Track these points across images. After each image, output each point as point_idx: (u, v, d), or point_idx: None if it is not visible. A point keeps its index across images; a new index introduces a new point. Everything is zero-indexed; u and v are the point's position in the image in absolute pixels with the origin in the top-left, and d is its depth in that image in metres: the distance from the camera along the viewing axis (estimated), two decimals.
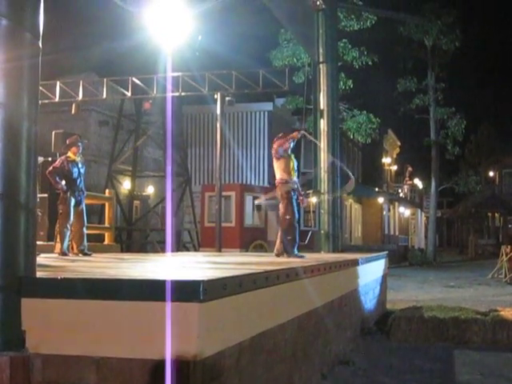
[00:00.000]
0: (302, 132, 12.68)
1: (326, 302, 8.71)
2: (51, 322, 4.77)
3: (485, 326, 11.68)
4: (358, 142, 38.27)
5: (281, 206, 11.99)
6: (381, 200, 44.52)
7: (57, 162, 12.33)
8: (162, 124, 32.69)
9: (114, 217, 19.28)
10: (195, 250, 30.26)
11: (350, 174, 17.27)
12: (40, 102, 5.43)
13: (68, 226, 12.05)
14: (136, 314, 4.60)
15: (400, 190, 60.15)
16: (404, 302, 16.33)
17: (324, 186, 18.20)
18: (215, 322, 4.77)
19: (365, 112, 32.56)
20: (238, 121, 38.62)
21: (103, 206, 21.02)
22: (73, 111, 22.56)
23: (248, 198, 25.95)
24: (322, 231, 18.22)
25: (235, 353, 5.14)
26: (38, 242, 5.96)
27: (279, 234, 12.10)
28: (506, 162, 65.84)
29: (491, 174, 66.87)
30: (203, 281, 4.59)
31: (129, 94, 22.54)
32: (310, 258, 11.22)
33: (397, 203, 50.78)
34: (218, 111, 21.23)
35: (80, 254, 12.07)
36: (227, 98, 21.22)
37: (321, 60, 18.67)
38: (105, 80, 22.74)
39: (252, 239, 25.11)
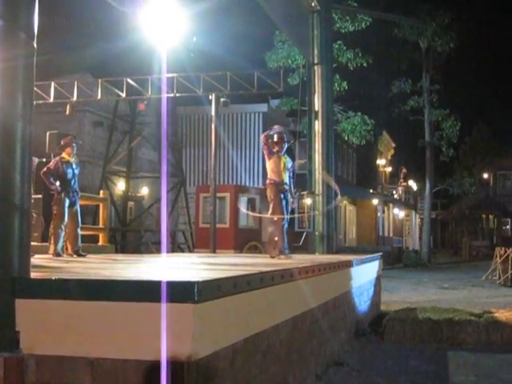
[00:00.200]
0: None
1: (320, 303, 8.71)
2: (45, 322, 4.77)
3: (479, 327, 11.70)
4: (353, 143, 38.26)
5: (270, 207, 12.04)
6: (375, 201, 44.58)
7: (51, 163, 12.32)
8: (156, 125, 32.72)
9: (108, 218, 19.25)
10: (190, 250, 30.24)
11: (338, 191, 17.29)
12: (34, 102, 5.43)
13: (62, 226, 12.04)
14: (130, 314, 4.60)
15: (394, 192, 60.19)
16: (398, 303, 16.33)
17: (318, 187, 18.20)
18: (210, 323, 4.77)
19: (359, 114, 32.58)
20: (233, 122, 38.62)
21: (97, 206, 20.97)
22: (67, 112, 22.53)
23: (242, 199, 25.95)
24: (317, 232, 18.22)
25: (229, 354, 5.14)
26: (32, 243, 5.95)
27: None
28: (500, 164, 66.04)
29: (485, 175, 67.05)
30: (198, 282, 4.59)
31: (123, 94, 22.52)
32: (305, 260, 11.22)
33: (391, 205, 50.86)
34: (213, 112, 21.22)
35: (74, 255, 12.05)
36: (222, 99, 21.22)
37: (315, 61, 18.68)
38: (99, 81, 22.72)
39: (246, 240, 25.09)
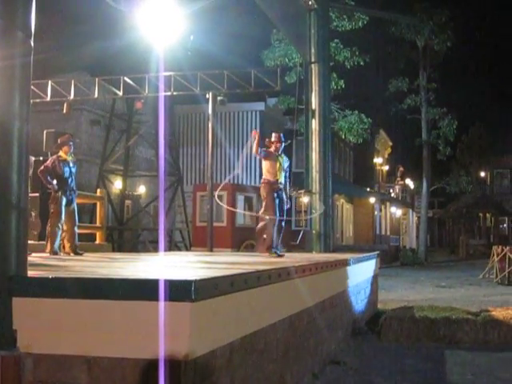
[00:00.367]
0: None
1: (317, 301, 8.71)
2: (42, 321, 4.77)
3: (476, 326, 11.71)
4: (350, 142, 38.29)
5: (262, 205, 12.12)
6: (372, 200, 44.54)
7: (48, 162, 12.31)
8: (153, 123, 32.62)
9: (105, 216, 19.23)
10: (187, 249, 30.22)
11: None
12: (31, 101, 5.43)
13: (59, 225, 12.04)
14: (128, 313, 4.60)
15: (391, 190, 60.19)
16: (395, 302, 16.35)
17: (316, 185, 18.20)
18: (207, 322, 4.77)
19: (356, 112, 32.59)
20: (230, 120, 38.63)
21: (94, 205, 21.00)
22: (64, 110, 22.52)
23: (240, 198, 25.95)
24: (314, 231, 18.23)
25: (226, 352, 5.14)
26: (30, 242, 5.95)
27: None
28: (497, 163, 66.08)
29: (482, 174, 67.02)
30: (195, 280, 4.59)
31: (120, 93, 22.50)
32: (302, 258, 11.23)
33: (388, 203, 50.81)
34: (210, 111, 21.22)
35: (71, 254, 12.04)
36: (219, 98, 21.21)
37: (313, 60, 18.67)
38: (96, 79, 22.71)
39: (243, 239, 25.09)
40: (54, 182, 12.06)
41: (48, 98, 21.96)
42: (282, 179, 12.09)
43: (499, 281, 24.29)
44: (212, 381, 4.85)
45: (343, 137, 35.28)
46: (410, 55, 42.66)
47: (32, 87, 5.55)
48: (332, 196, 18.88)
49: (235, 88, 21.49)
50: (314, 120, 18.45)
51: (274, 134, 12.31)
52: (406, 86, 41.95)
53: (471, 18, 56.20)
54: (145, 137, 33.10)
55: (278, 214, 11.96)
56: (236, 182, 28.43)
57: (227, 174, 37.53)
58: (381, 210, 47.88)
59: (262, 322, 6.13)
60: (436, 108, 41.68)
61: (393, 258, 41.74)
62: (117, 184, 32.46)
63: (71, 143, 12.53)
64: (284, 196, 12.15)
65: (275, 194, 11.96)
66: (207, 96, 21.15)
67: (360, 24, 30.59)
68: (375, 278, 15.55)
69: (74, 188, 12.45)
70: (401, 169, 63.38)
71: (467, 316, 12.03)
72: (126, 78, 22.00)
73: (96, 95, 22.76)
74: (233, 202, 25.40)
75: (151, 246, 28.03)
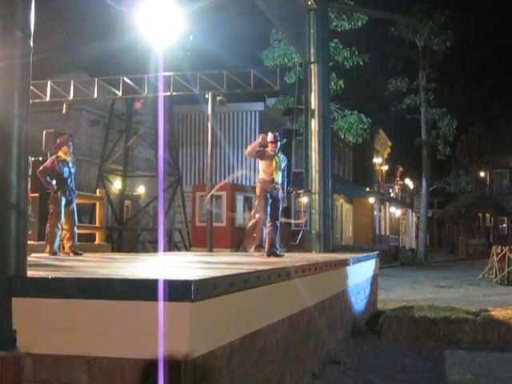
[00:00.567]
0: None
1: (317, 301, 8.71)
2: (42, 321, 4.76)
3: (475, 325, 11.71)
4: (349, 141, 38.30)
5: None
6: (372, 200, 44.56)
7: (47, 162, 12.30)
8: (153, 124, 32.66)
9: (104, 216, 19.23)
10: (186, 249, 30.21)
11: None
12: (31, 101, 5.43)
13: (59, 225, 12.03)
14: (127, 313, 4.60)
15: (391, 190, 60.22)
16: (395, 301, 16.36)
17: (315, 185, 18.18)
18: (206, 322, 4.77)
19: (356, 112, 32.55)
20: (230, 120, 38.62)
21: (94, 205, 20.99)
22: (64, 111, 22.54)
23: (239, 198, 25.96)
24: (313, 231, 18.21)
25: (226, 352, 5.14)
26: (29, 242, 5.94)
27: (268, 234, 12.11)
28: (496, 162, 66.09)
29: (482, 174, 67.06)
30: (194, 280, 4.59)
31: (120, 93, 22.52)
32: (301, 258, 11.23)
33: (388, 203, 50.83)
34: (209, 111, 21.23)
35: (71, 254, 12.03)
36: (218, 98, 21.22)
37: (312, 60, 18.66)
38: (96, 79, 22.73)
39: (243, 239, 25.03)
40: (54, 182, 12.05)
41: (47, 98, 21.98)
42: (278, 179, 12.07)
43: (499, 281, 24.30)
44: (212, 381, 4.85)
45: (343, 137, 35.28)
46: (409, 55, 42.65)
47: (31, 87, 5.55)
48: (331, 196, 18.85)
49: (235, 88, 21.50)
50: (313, 120, 18.43)
51: (269, 134, 12.28)
52: (405, 85, 41.93)
53: (471, 17, 56.26)
54: (144, 137, 33.11)
55: (269, 214, 11.95)
56: (236, 182, 28.44)
57: (227, 173, 37.54)
58: (380, 210, 47.91)
59: (261, 322, 6.13)
60: (435, 108, 41.65)
61: (392, 258, 41.75)
62: (116, 184, 32.47)
63: (70, 143, 12.52)
64: (280, 195, 12.12)
65: (268, 194, 11.95)
66: (206, 96, 21.16)
67: (359, 24, 30.56)
68: (375, 277, 15.55)
69: (74, 188, 12.44)
70: (400, 169, 63.45)
71: (467, 316, 12.04)
72: (125, 78, 22.01)
73: (95, 95, 22.78)
74: (232, 202, 25.42)
75: (151, 246, 28.00)
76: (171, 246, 30.24)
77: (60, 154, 12.31)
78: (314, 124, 18.43)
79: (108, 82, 23.13)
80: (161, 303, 4.48)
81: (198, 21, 19.53)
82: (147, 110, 31.21)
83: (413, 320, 12.02)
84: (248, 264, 8.56)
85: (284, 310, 7.05)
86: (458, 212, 63.29)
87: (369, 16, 30.32)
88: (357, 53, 31.16)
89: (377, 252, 16.93)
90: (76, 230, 12.53)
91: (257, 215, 11.97)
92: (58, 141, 12.71)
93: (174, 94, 21.98)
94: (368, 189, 47.18)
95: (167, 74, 21.02)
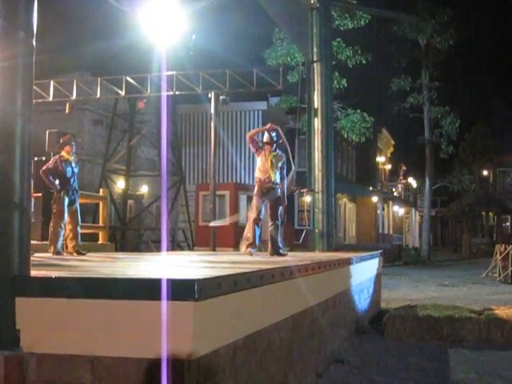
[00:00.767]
0: (276, 127, 12.49)
1: (320, 301, 8.71)
2: (45, 321, 4.76)
3: (479, 324, 11.69)
4: (352, 140, 38.24)
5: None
6: (375, 199, 44.58)
7: (50, 162, 12.30)
8: (156, 123, 32.73)
9: (108, 216, 19.26)
10: (189, 249, 30.24)
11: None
12: (34, 101, 5.42)
13: (62, 225, 12.03)
14: (131, 312, 4.60)
15: (394, 189, 60.24)
16: (398, 300, 16.35)
17: (318, 184, 18.18)
18: (210, 321, 4.77)
19: (359, 111, 32.53)
20: (232, 120, 38.62)
21: (97, 205, 20.98)
22: (67, 110, 22.55)
23: (242, 197, 25.95)
24: (317, 230, 18.21)
25: (230, 352, 5.14)
26: (32, 242, 5.95)
27: (270, 234, 12.08)
28: (499, 161, 66.01)
29: (485, 172, 66.97)
30: (198, 280, 4.58)
31: (123, 93, 22.54)
32: (304, 257, 11.22)
33: (391, 202, 50.87)
34: (212, 110, 21.24)
35: (74, 254, 12.04)
36: (221, 97, 21.24)
37: (315, 59, 18.65)
38: (99, 79, 22.74)
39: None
40: (57, 182, 12.06)
41: (50, 98, 22.00)
42: (275, 178, 11.93)
43: (502, 279, 24.27)
44: (215, 380, 4.84)
45: (346, 136, 35.24)
46: (412, 54, 42.58)
47: (34, 87, 5.54)
48: (335, 195, 18.84)
49: (237, 87, 21.51)
50: (316, 119, 18.43)
51: (266, 135, 12.18)
52: (408, 84, 41.86)
53: (474, 16, 56.10)
54: (147, 136, 33.14)
55: (262, 214, 11.88)
56: (239, 181, 28.45)
57: (230, 173, 37.58)
58: (383, 209, 47.95)
59: (265, 321, 6.13)
60: (438, 106, 41.59)
61: (396, 257, 41.71)
62: (119, 184, 32.49)
63: (73, 143, 12.52)
64: (278, 194, 11.98)
65: (263, 194, 11.87)
66: (209, 95, 21.18)
67: (362, 23, 30.53)
68: (378, 276, 15.54)
69: (77, 188, 12.45)
70: (403, 167, 63.40)
71: (470, 315, 12.01)
72: (128, 78, 22.03)
73: (98, 95, 22.79)
74: (235, 202, 25.42)
75: (154, 246, 28.06)
76: (174, 246, 30.23)
77: (63, 153, 12.30)
78: (316, 123, 18.43)
79: (111, 82, 23.16)
80: (164, 303, 4.47)
81: (201, 20, 19.56)
82: (150, 110, 31.22)
83: (416, 319, 12.00)
84: (251, 263, 8.55)
85: (287, 309, 7.05)
86: (462, 211, 63.17)
87: (371, 15, 30.30)
88: (360, 52, 31.13)
89: (380, 251, 16.93)
90: (79, 230, 12.53)
91: (250, 214, 11.95)
92: (61, 140, 12.71)
93: (176, 93, 21.99)
94: (371, 188, 47.19)
95: (170, 73, 21.03)
